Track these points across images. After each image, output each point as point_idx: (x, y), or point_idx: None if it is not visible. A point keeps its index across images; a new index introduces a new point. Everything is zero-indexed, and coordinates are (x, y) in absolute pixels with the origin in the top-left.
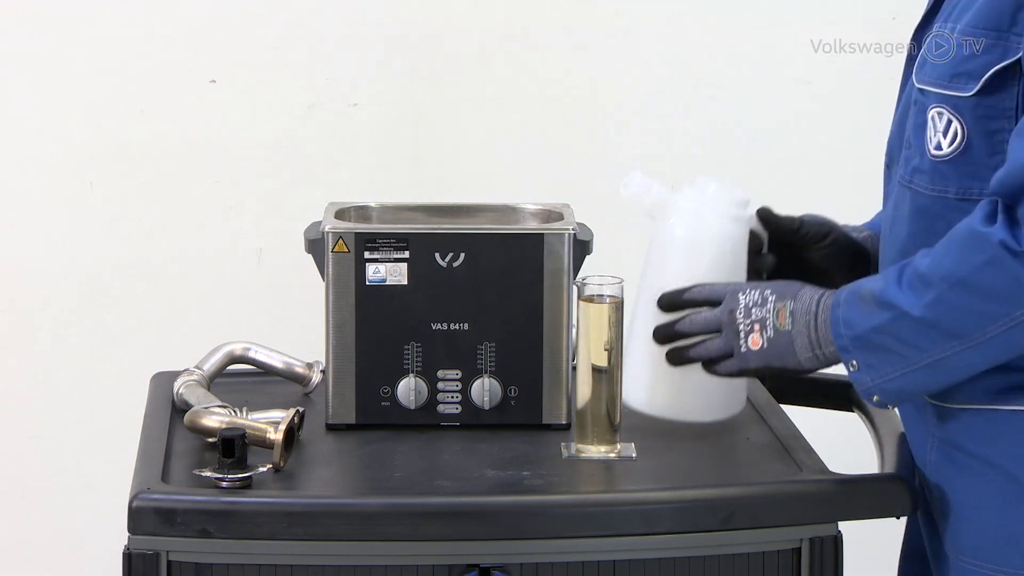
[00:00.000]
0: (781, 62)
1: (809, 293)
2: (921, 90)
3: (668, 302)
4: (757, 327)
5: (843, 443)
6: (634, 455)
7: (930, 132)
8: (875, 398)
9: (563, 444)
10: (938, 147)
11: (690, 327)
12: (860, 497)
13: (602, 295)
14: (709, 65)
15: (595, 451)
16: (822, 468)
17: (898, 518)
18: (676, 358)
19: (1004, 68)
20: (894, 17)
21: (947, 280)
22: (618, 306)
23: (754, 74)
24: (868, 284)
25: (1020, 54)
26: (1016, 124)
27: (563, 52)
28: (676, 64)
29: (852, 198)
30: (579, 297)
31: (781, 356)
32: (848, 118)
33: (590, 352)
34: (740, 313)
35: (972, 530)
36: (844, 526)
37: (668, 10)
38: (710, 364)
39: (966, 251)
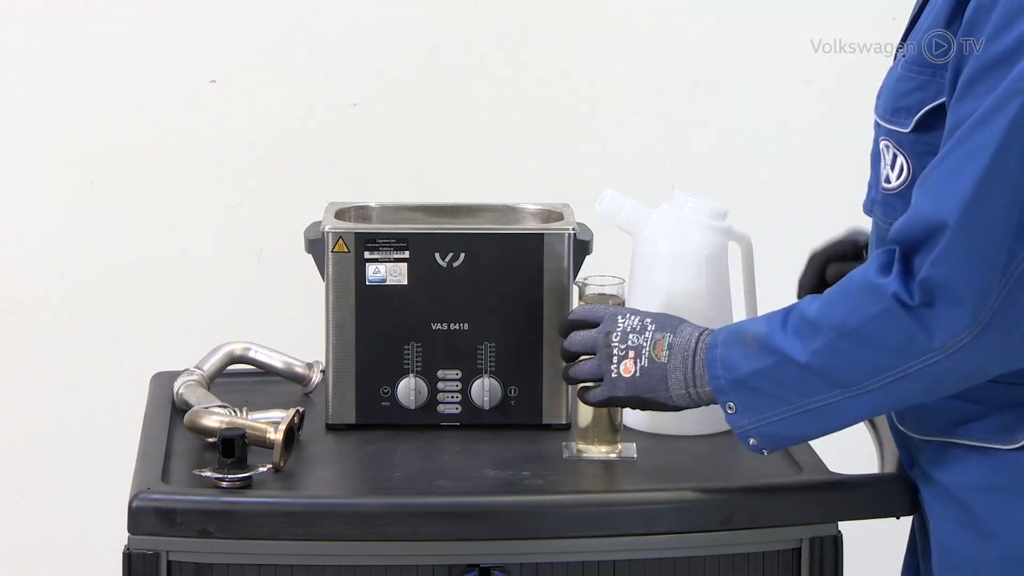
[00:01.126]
0: (781, 62)
1: (689, 330)
2: (877, 121)
3: (558, 325)
4: (632, 354)
5: (843, 443)
6: (635, 455)
7: (882, 164)
8: (752, 441)
9: (564, 444)
10: (887, 180)
11: (569, 346)
12: (860, 497)
13: (603, 295)
14: (709, 65)
15: (596, 451)
16: (822, 468)
17: (898, 518)
18: (563, 378)
19: (937, 107)
20: (894, 17)
21: (837, 329)
22: (619, 306)
23: (754, 74)
24: (750, 326)
25: (944, 97)
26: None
27: (563, 52)
28: (676, 64)
29: (852, 198)
30: (580, 297)
31: (653, 388)
32: (848, 118)
33: None
34: (616, 337)
35: (942, 556)
36: (844, 526)
37: (668, 10)
38: (583, 391)
39: (859, 301)
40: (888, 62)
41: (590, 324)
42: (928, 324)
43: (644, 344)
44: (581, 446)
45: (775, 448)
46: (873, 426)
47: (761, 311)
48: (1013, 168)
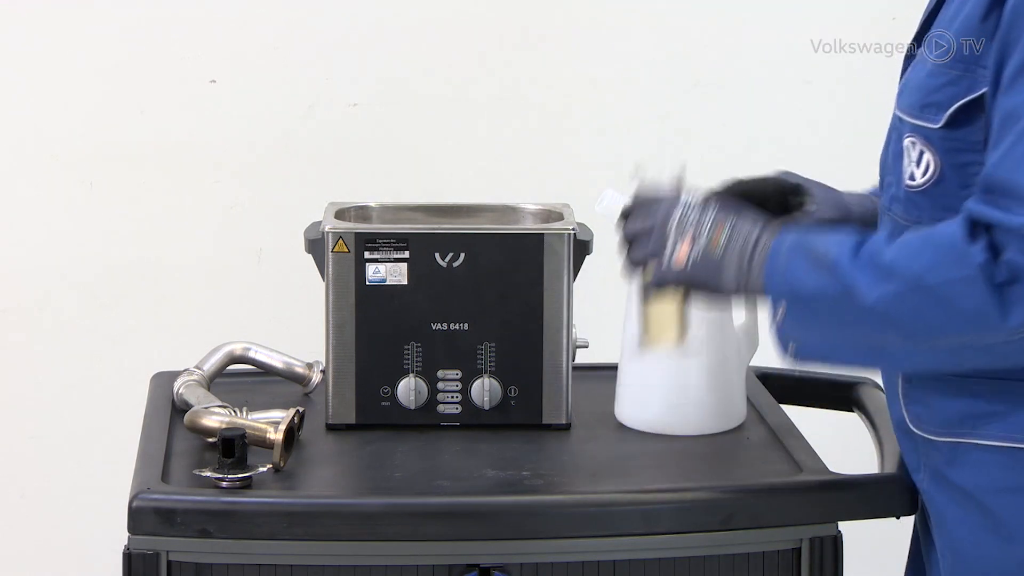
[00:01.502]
0: (781, 62)
1: (751, 222)
2: (899, 117)
3: (624, 210)
4: (687, 239)
5: (843, 443)
6: None
7: (906, 161)
8: (791, 346)
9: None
10: (912, 177)
11: (628, 230)
12: (860, 497)
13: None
14: (709, 65)
15: (659, 342)
16: (822, 468)
17: (898, 518)
18: (623, 268)
19: (970, 102)
20: (894, 17)
21: (913, 281)
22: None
23: (754, 74)
24: (819, 243)
25: (985, 88)
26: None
27: (563, 52)
28: (676, 64)
29: None
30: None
31: (704, 275)
32: (848, 118)
33: None
34: (675, 217)
35: (957, 560)
36: (844, 526)
37: (668, 10)
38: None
39: (942, 260)
40: (889, 61)
41: (652, 206)
42: (1006, 303)
43: (703, 229)
44: (645, 339)
45: (809, 360)
46: (873, 426)
47: (761, 311)
48: None
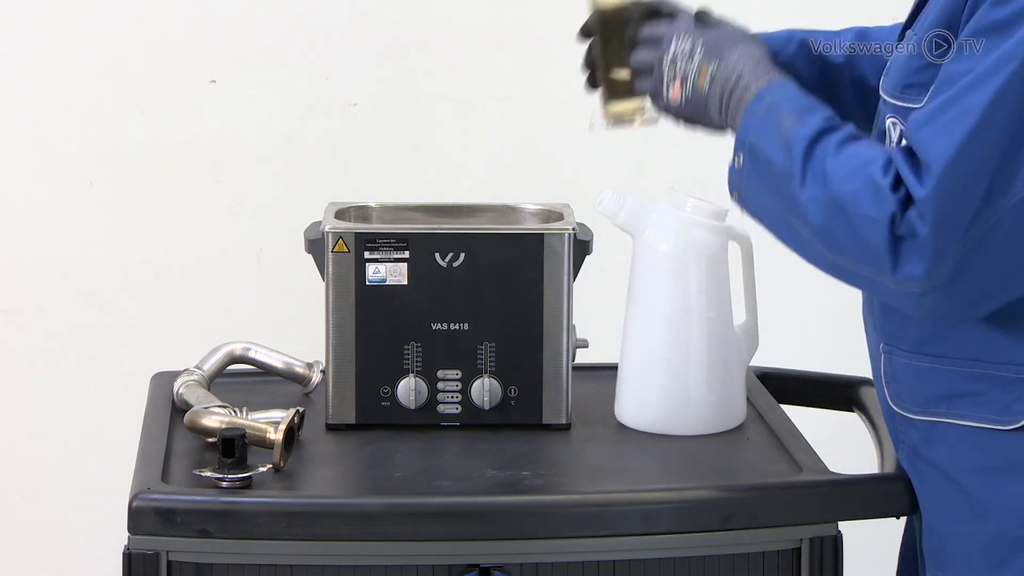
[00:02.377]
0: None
1: (734, 61)
2: (884, 98)
3: (629, 41)
4: (678, 80)
5: (843, 443)
6: (657, 117)
7: (887, 142)
8: (735, 195)
9: (589, 122)
10: None
11: (633, 61)
12: (860, 497)
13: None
14: None
15: (619, 109)
16: (822, 468)
17: (898, 518)
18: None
19: None
20: (894, 18)
21: (835, 200)
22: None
23: None
24: (793, 114)
25: None
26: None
27: (563, 52)
28: None
29: None
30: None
31: (697, 113)
32: None
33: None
34: (667, 59)
35: (933, 538)
36: (844, 526)
37: None
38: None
39: (862, 192)
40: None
41: (654, 41)
42: (900, 256)
43: (690, 71)
44: (603, 110)
45: (747, 213)
46: (873, 426)
47: (761, 311)
48: (994, 136)
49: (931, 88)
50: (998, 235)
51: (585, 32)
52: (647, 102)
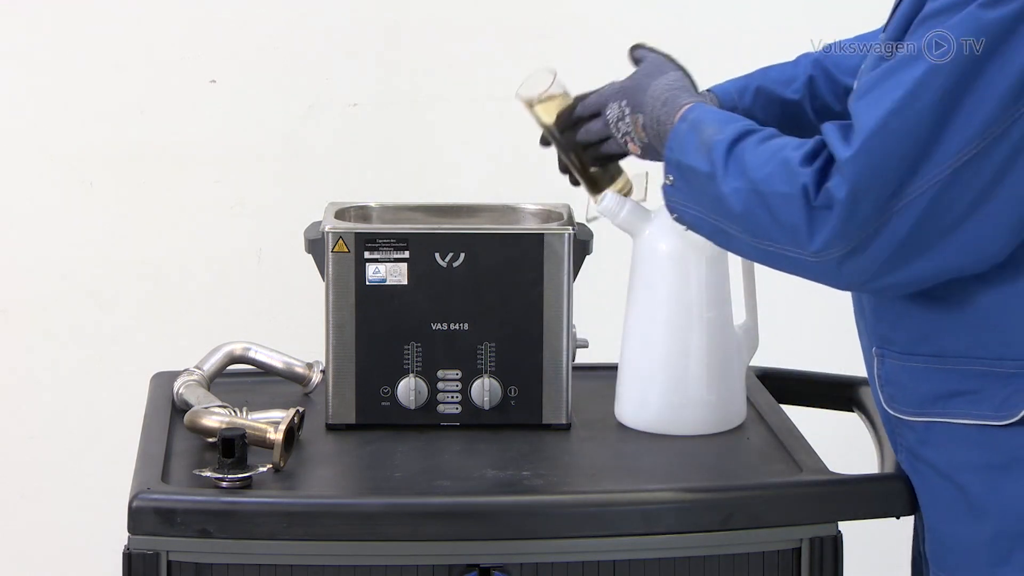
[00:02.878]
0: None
1: (649, 105)
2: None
3: (564, 121)
4: (629, 138)
5: (843, 443)
6: (645, 183)
7: None
8: (675, 216)
9: (587, 214)
10: None
11: (586, 136)
12: (860, 497)
13: (553, 96)
14: (709, 65)
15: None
16: (822, 468)
17: (898, 518)
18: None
19: None
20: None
21: (752, 186)
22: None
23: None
24: (712, 124)
25: None
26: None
27: (564, 52)
28: None
29: None
30: (534, 104)
31: (657, 156)
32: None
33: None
34: (612, 127)
35: (934, 538)
36: (844, 526)
37: (668, 10)
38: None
39: (776, 172)
40: None
41: (591, 116)
42: (815, 226)
43: (630, 129)
44: (597, 199)
45: (689, 227)
46: (873, 426)
47: (761, 311)
48: (922, 108)
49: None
50: (917, 208)
51: (544, 142)
52: (628, 173)
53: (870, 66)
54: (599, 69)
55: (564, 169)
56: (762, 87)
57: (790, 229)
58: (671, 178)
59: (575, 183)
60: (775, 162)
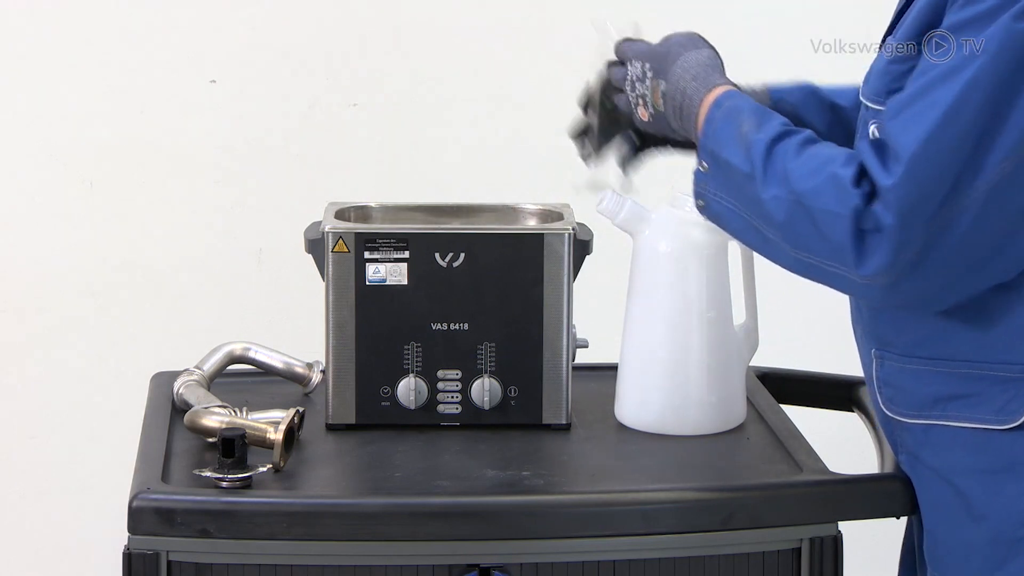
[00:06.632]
0: (781, 62)
1: (678, 75)
2: (865, 104)
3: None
4: (642, 102)
5: (843, 443)
6: None
7: None
8: (699, 203)
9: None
10: None
11: (611, 76)
12: (860, 497)
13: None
14: None
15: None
16: (822, 468)
17: (898, 518)
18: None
19: None
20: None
21: (798, 198)
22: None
23: (754, 74)
24: (748, 117)
25: None
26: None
27: (563, 52)
28: None
29: None
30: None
31: (664, 129)
32: None
33: None
34: (628, 85)
35: (932, 541)
36: (844, 526)
37: (668, 10)
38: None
39: (824, 188)
40: None
41: (623, 63)
42: (865, 249)
43: (647, 93)
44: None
45: (711, 219)
46: (873, 426)
47: (761, 311)
48: (962, 127)
49: (911, 77)
50: (963, 225)
51: (574, 132)
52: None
53: (881, 71)
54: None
55: (584, 108)
56: (814, 90)
57: (837, 248)
58: (705, 165)
59: (578, 135)
60: (823, 177)
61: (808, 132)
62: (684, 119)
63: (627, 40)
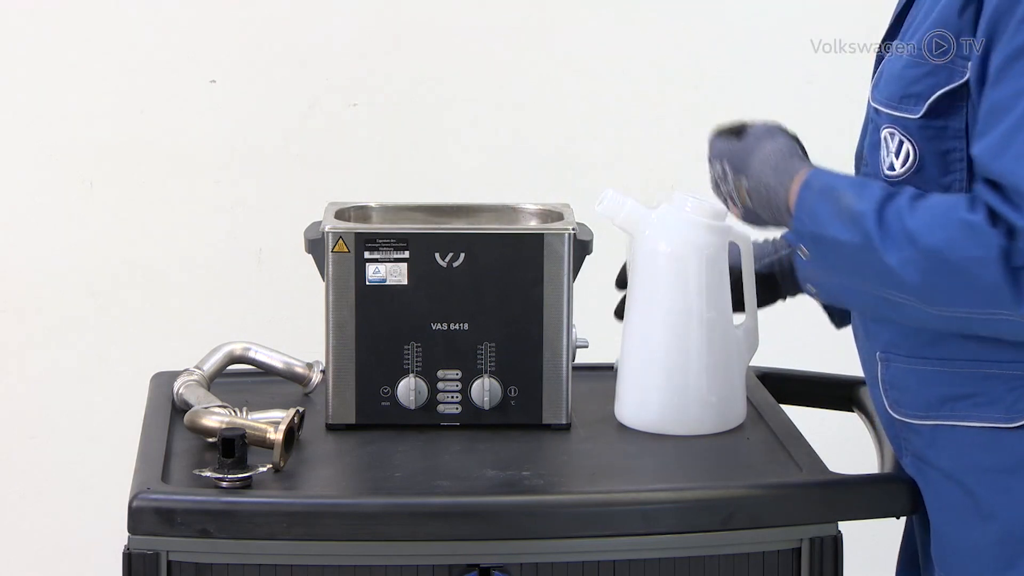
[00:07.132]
0: (781, 62)
1: (758, 170)
2: (876, 109)
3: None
4: (731, 199)
5: (843, 443)
6: None
7: (883, 152)
8: (811, 288)
9: None
10: (891, 167)
11: (711, 178)
12: (860, 497)
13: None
14: (710, 66)
15: None
16: (822, 468)
17: (898, 518)
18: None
19: (951, 91)
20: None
21: (934, 254)
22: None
23: (754, 74)
24: (845, 188)
25: (966, 77)
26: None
27: (563, 52)
28: (676, 65)
29: None
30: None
31: (756, 221)
32: (848, 118)
33: None
34: (713, 184)
35: (940, 542)
36: (844, 526)
37: (668, 11)
38: None
39: (959, 238)
40: None
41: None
42: (1021, 286)
43: (732, 192)
44: None
45: (829, 301)
46: (873, 426)
47: (761, 311)
48: None
49: (980, 119)
50: None
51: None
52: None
53: (896, 75)
54: (600, 69)
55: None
56: None
57: (990, 292)
58: (805, 251)
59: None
60: (953, 226)
61: (911, 188)
62: (774, 211)
63: (716, 135)
